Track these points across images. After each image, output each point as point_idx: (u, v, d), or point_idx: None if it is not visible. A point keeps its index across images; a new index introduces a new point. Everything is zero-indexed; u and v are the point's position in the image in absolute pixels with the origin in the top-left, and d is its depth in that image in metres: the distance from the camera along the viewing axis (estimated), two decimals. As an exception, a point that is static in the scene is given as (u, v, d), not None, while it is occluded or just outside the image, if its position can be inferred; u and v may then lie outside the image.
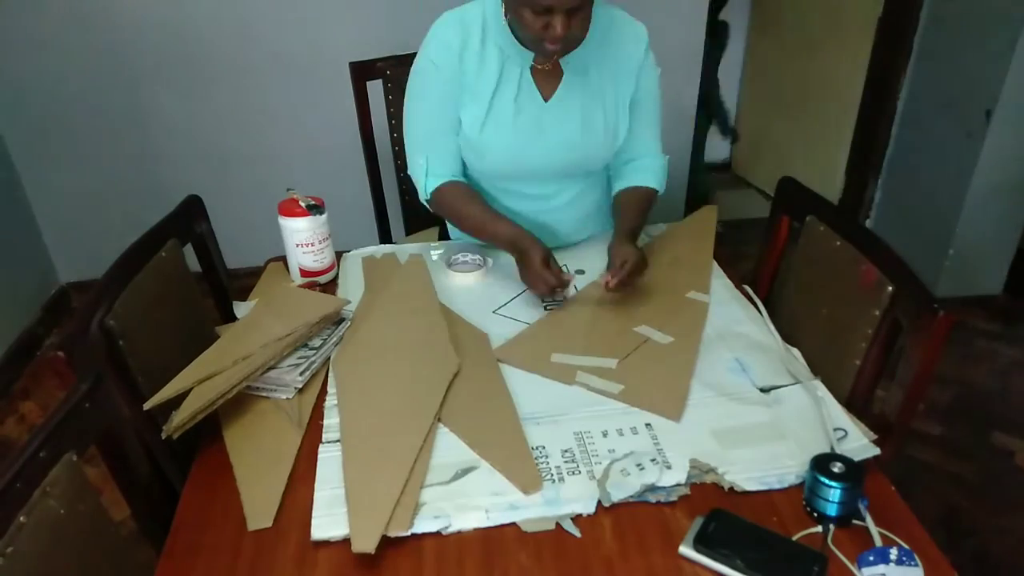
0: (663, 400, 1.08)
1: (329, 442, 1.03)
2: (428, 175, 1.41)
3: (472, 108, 1.35)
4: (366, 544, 0.84)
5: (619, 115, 1.40)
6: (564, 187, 1.47)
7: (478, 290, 1.40)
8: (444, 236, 1.68)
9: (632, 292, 1.31)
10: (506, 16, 1.30)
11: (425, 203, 1.46)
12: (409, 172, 1.46)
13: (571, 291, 1.32)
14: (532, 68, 1.34)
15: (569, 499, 0.92)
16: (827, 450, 0.96)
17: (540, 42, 1.21)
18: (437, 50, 1.33)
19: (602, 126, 1.39)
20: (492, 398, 1.10)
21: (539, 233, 1.38)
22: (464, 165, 1.44)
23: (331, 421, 1.07)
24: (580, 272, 1.43)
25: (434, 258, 1.49)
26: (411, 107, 1.41)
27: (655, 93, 1.44)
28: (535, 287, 1.29)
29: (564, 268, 1.34)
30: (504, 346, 1.22)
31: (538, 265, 1.26)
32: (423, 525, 0.89)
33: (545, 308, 1.32)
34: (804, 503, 0.91)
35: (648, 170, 1.47)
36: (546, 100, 1.36)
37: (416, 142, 1.42)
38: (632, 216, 1.40)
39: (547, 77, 1.35)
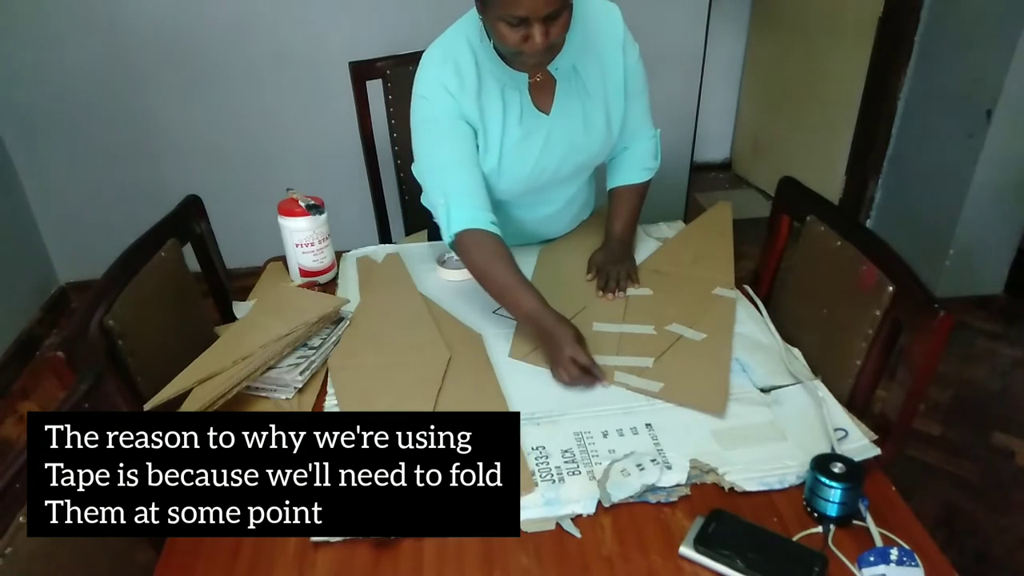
0: (704, 395, 1.08)
1: (329, 442, 1.02)
2: (451, 217, 1.27)
3: (489, 149, 1.30)
4: None
5: (617, 104, 1.37)
6: (564, 189, 1.47)
7: (473, 289, 1.39)
8: (433, 236, 1.68)
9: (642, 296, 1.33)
10: (489, 38, 1.21)
11: (448, 245, 1.32)
12: (426, 204, 1.45)
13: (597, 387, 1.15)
14: (529, 86, 1.29)
15: (569, 499, 0.92)
16: (827, 450, 0.96)
17: (520, 54, 1.15)
18: (435, 92, 1.25)
19: (604, 122, 1.36)
20: (484, 399, 1.10)
21: (537, 233, 1.37)
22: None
23: (331, 421, 1.06)
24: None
25: (432, 258, 1.49)
26: (422, 151, 1.33)
27: (640, 70, 1.39)
28: (566, 371, 1.12)
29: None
30: (536, 350, 1.20)
31: (570, 347, 1.12)
32: (423, 525, 0.88)
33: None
34: (804, 503, 0.91)
35: (638, 163, 1.47)
36: (547, 114, 1.31)
37: (434, 183, 1.32)
38: (623, 220, 1.47)
39: (542, 90, 1.30)
